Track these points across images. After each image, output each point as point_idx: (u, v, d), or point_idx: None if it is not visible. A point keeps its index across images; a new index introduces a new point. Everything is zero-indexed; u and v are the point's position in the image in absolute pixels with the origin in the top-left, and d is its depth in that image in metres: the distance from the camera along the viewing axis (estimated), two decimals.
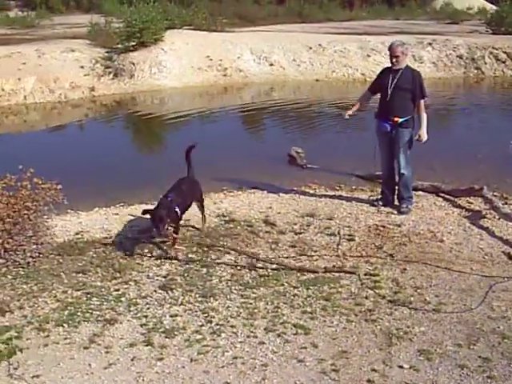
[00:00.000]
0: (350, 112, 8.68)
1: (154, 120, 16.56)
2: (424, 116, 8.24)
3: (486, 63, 21.30)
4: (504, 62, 21.31)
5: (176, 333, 5.49)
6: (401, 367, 4.99)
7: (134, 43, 20.03)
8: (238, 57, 20.77)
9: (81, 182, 9.72)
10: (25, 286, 6.39)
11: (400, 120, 8.20)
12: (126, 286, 6.39)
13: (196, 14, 25.41)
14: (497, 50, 21.59)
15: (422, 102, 8.24)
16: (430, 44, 21.85)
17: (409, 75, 8.23)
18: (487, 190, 8.89)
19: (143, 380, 4.85)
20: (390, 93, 8.19)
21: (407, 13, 34.05)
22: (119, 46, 20.34)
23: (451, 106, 17.81)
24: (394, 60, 8.18)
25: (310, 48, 21.36)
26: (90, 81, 18.92)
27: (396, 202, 8.67)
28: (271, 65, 20.74)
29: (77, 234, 7.86)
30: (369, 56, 20.96)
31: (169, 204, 7.06)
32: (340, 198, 9.10)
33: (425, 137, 8.25)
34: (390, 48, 8.24)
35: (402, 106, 8.20)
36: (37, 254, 6.95)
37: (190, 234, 7.71)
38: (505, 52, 21.47)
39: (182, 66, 20.01)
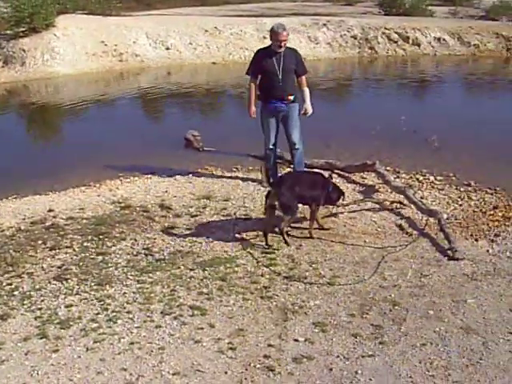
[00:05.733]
0: (253, 110, 8.51)
1: (49, 109, 16.05)
2: (307, 90, 8.45)
3: (379, 43, 21.77)
4: (396, 42, 21.85)
5: (71, 323, 5.40)
6: (296, 340, 5.10)
7: (24, 29, 19.29)
8: (134, 41, 20.40)
9: None
10: None
11: (292, 97, 8.34)
12: (19, 280, 6.22)
13: None
14: (389, 30, 22.10)
15: (304, 77, 8.44)
16: (324, 25, 22.15)
17: (291, 55, 8.37)
18: (379, 164, 9.11)
19: (38, 374, 4.75)
20: (280, 76, 8.23)
21: None
22: (8, 31, 19.54)
23: (346, 86, 18.21)
24: (282, 44, 8.18)
25: (206, 31, 21.25)
26: None
27: None
28: (167, 49, 20.52)
29: None
30: (265, 38, 20.84)
31: None
32: (237, 178, 9.16)
33: (310, 110, 8.42)
34: (278, 33, 8.14)
35: (292, 85, 8.39)
36: None
37: (84, 223, 7.57)
38: (396, 32, 22.00)
39: (76, 51, 19.47)
